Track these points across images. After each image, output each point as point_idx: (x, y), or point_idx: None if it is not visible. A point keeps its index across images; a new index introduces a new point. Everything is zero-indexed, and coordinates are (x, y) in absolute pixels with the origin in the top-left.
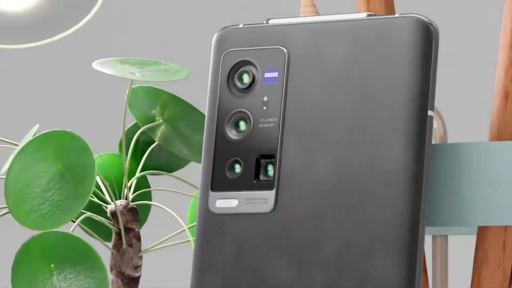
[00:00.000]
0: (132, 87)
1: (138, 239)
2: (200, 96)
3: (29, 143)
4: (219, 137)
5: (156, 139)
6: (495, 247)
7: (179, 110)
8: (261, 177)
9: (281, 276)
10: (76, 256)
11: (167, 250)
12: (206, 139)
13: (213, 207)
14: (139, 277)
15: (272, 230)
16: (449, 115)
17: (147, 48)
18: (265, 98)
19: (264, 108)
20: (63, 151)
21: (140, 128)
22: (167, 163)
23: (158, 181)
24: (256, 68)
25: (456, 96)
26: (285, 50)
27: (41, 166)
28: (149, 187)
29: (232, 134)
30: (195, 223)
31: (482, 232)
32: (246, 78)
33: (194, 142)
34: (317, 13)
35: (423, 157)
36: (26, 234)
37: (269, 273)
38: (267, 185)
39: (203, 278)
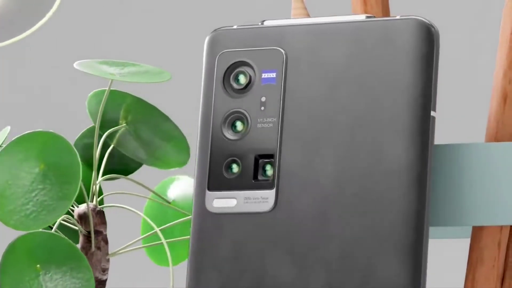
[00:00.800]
0: (96, 90)
1: (106, 242)
2: (184, 98)
3: (11, 144)
4: (215, 137)
5: (114, 142)
6: (491, 247)
7: (142, 114)
8: (260, 177)
9: (284, 275)
10: (61, 256)
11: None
12: (200, 139)
13: (210, 207)
14: (106, 280)
15: (273, 229)
16: (447, 116)
17: (126, 51)
18: (263, 99)
19: (262, 108)
20: (46, 152)
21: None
22: (125, 166)
23: (112, 185)
24: (252, 68)
25: (453, 97)
26: (283, 51)
27: (24, 166)
28: (102, 192)
29: (228, 134)
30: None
31: (478, 232)
32: (242, 79)
33: (152, 146)
34: (308, 16)
35: (426, 158)
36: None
37: (272, 272)
38: (267, 185)
39: (200, 277)
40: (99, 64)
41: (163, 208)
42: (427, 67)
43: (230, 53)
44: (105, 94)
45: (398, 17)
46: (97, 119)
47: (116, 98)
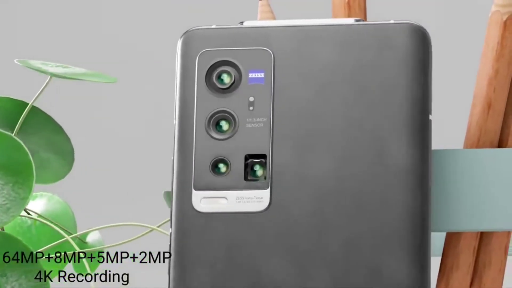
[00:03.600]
0: None
1: None
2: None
3: None
4: (199, 136)
5: None
6: (467, 253)
7: (34, 125)
8: (251, 177)
9: (284, 274)
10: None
11: None
12: (180, 138)
13: (198, 206)
14: None
15: (269, 228)
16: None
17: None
18: (251, 98)
19: (251, 108)
20: None
21: None
22: None
23: None
24: (237, 68)
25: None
26: (270, 51)
27: None
28: None
29: (214, 133)
30: None
31: (454, 238)
32: (226, 78)
33: (37, 159)
34: (275, 19)
35: (428, 159)
36: None
37: (271, 272)
38: (261, 184)
39: (188, 277)
40: (38, 64)
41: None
42: (424, 71)
43: (212, 52)
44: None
45: (391, 21)
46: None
47: (11, 106)
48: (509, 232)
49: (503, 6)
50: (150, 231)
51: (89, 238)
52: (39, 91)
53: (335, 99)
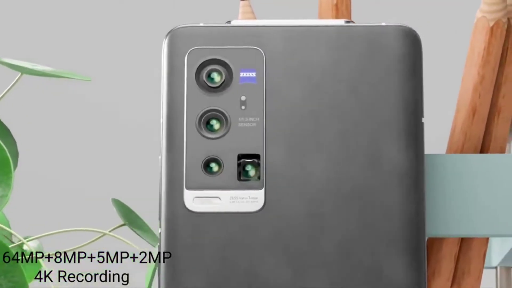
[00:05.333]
0: None
1: None
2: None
3: None
4: (190, 135)
5: None
6: (449, 259)
7: None
8: (244, 177)
9: (280, 274)
10: None
11: None
12: (168, 136)
13: (191, 206)
14: None
15: (264, 228)
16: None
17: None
18: (243, 98)
19: (243, 107)
20: None
21: None
22: None
23: None
24: (227, 67)
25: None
26: (261, 51)
27: None
28: None
29: (205, 132)
30: None
31: (435, 243)
32: (217, 77)
33: None
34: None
35: (422, 162)
36: None
37: (266, 272)
38: (255, 184)
39: (183, 280)
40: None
41: None
42: (416, 74)
43: (202, 51)
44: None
45: (383, 24)
46: None
47: None
48: (487, 240)
49: (490, 13)
50: (102, 235)
51: (26, 246)
52: (7, 88)
53: (328, 100)
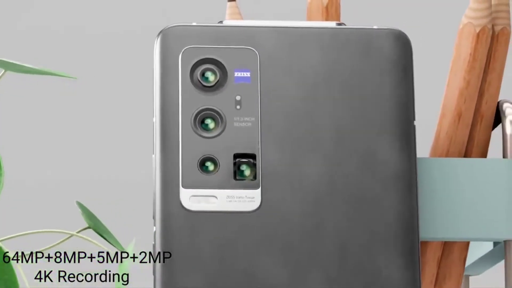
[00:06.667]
0: None
1: None
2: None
3: None
4: (185, 134)
5: None
6: (432, 263)
7: None
8: (239, 176)
9: (277, 274)
10: None
11: None
12: (162, 135)
13: (187, 205)
14: None
15: (261, 228)
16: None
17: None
18: (238, 97)
19: (238, 107)
20: None
21: None
22: None
23: None
24: (221, 66)
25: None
26: (255, 51)
27: None
28: None
29: (200, 131)
30: None
31: (421, 247)
32: (211, 76)
33: None
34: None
35: (415, 164)
36: None
37: (264, 272)
38: (251, 183)
39: (179, 279)
40: None
41: None
42: (408, 77)
43: (196, 50)
44: None
45: (375, 27)
46: None
47: None
48: (467, 244)
49: (476, 19)
50: (70, 237)
51: None
52: None
53: (322, 101)
